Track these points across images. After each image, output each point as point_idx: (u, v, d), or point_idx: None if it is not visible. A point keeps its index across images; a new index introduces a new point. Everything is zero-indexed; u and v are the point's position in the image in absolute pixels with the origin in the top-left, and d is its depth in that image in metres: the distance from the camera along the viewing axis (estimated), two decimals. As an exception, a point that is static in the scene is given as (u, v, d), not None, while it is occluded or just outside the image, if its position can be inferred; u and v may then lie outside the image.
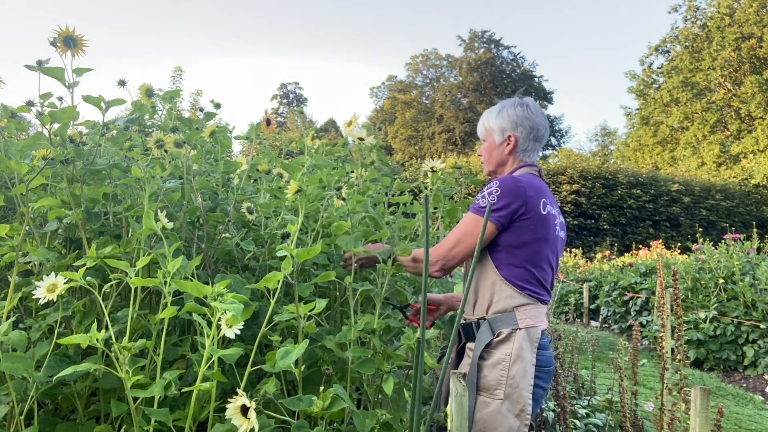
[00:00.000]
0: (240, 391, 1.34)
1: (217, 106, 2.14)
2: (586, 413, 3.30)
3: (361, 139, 1.95)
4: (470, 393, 1.70)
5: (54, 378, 1.38)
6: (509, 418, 1.67)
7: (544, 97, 40.68)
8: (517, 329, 1.72)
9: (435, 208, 2.11)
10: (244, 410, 1.30)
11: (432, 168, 2.01)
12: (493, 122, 1.90)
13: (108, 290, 1.61)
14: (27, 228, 1.68)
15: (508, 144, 1.87)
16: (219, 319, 1.32)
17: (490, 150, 1.93)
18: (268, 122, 2.07)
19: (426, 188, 2.03)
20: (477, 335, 1.78)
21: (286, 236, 1.89)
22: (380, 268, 1.96)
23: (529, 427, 1.69)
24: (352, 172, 2.14)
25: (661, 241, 12.86)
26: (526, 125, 1.84)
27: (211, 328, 1.34)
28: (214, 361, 1.36)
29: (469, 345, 1.81)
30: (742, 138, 26.54)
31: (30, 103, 1.72)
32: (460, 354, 1.85)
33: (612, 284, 8.70)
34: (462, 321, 1.85)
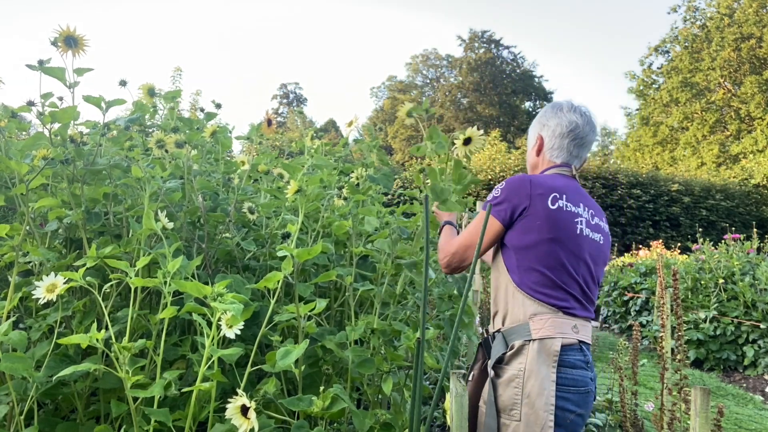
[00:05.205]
0: (240, 391, 1.34)
1: (218, 106, 2.15)
2: (586, 413, 3.30)
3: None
4: (489, 414, 1.55)
5: (54, 378, 1.38)
6: None
7: (544, 97, 40.68)
8: (530, 341, 1.54)
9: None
10: (244, 410, 1.30)
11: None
12: (529, 131, 1.88)
13: (108, 290, 1.61)
14: (27, 228, 1.68)
15: (535, 145, 1.81)
16: (219, 319, 1.32)
17: (527, 156, 1.88)
18: (269, 122, 2.07)
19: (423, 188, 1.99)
20: (492, 349, 1.65)
21: (286, 236, 1.89)
22: (380, 268, 1.96)
23: None
24: (352, 172, 2.14)
25: (661, 241, 12.85)
26: (551, 123, 1.77)
27: (211, 328, 1.34)
28: (214, 361, 1.36)
29: (489, 362, 1.65)
30: (742, 138, 26.55)
31: (31, 103, 1.72)
32: (486, 372, 1.66)
33: (612, 284, 8.70)
34: (484, 335, 1.72)
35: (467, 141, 1.69)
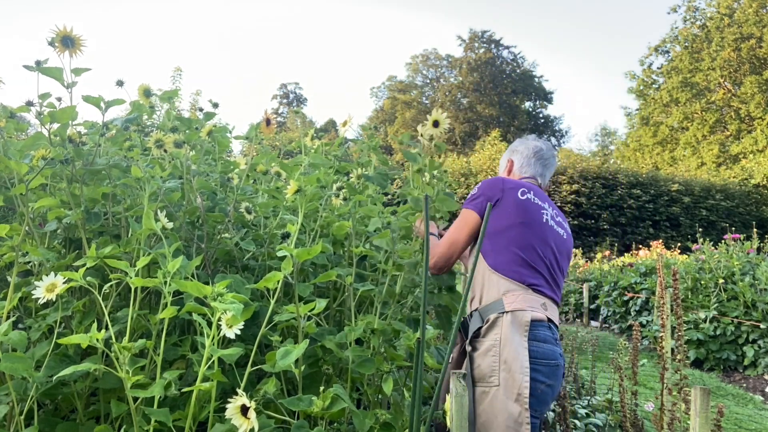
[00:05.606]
0: (240, 391, 1.34)
1: (215, 105, 2.14)
2: (586, 413, 3.30)
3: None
4: (466, 385, 1.67)
5: (54, 378, 1.38)
6: (508, 404, 1.65)
7: (544, 97, 40.66)
8: (503, 313, 1.72)
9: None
10: (244, 410, 1.30)
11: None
12: (500, 161, 2.26)
13: (108, 290, 1.61)
14: (27, 228, 1.68)
15: (506, 168, 2.18)
16: (219, 319, 1.32)
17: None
18: (268, 122, 2.07)
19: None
20: (469, 327, 1.82)
21: (286, 236, 1.89)
22: (380, 268, 1.96)
23: (529, 412, 1.64)
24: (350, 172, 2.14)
25: (661, 241, 12.86)
26: (520, 149, 2.16)
27: (211, 328, 1.34)
28: (214, 361, 1.36)
29: (467, 341, 1.83)
30: (742, 138, 26.55)
31: (30, 103, 1.72)
32: (464, 354, 1.83)
33: (612, 284, 8.70)
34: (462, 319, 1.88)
35: (435, 124, 1.83)
